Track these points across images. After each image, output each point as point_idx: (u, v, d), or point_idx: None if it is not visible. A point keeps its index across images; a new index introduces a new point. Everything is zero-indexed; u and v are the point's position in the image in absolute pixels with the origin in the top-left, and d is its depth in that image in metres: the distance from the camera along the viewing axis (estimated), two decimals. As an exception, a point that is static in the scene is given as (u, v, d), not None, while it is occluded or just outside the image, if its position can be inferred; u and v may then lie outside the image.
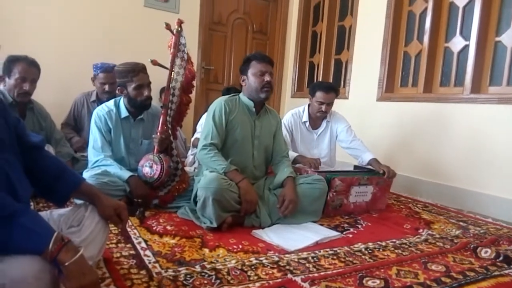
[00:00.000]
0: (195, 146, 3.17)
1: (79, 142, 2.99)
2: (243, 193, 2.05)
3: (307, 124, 2.97)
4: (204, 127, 2.28)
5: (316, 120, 2.98)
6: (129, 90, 2.29)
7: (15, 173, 1.05)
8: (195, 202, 2.11)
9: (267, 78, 2.21)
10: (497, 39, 2.91)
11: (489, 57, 2.95)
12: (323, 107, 2.81)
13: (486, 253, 1.87)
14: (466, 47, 3.08)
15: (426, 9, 3.38)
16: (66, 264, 0.87)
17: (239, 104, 2.30)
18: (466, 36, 3.09)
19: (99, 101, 3.07)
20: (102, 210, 1.27)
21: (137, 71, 2.27)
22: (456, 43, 3.19)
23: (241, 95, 2.35)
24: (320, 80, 4.40)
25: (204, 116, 3.44)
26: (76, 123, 3.17)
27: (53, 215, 1.27)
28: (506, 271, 1.69)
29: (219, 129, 2.20)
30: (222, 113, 2.21)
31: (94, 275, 0.92)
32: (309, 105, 2.98)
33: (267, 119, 2.39)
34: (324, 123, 2.98)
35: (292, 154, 2.76)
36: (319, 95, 2.81)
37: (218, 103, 2.26)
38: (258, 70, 2.21)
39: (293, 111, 3.03)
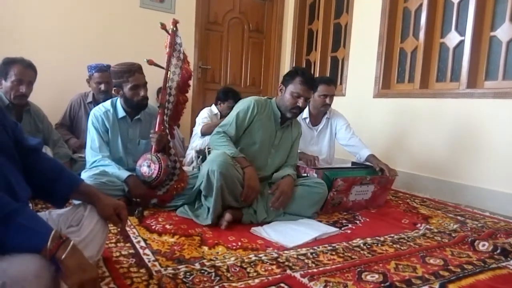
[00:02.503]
0: (204, 134, 3.19)
1: (77, 143, 2.99)
2: (247, 178, 2.05)
3: (307, 120, 2.98)
4: (228, 116, 2.29)
5: (317, 116, 2.99)
6: (125, 91, 2.28)
7: (13, 175, 1.06)
8: (195, 199, 2.12)
9: (299, 103, 2.18)
10: (492, 33, 2.93)
11: (485, 52, 2.97)
12: (327, 100, 2.85)
13: (483, 246, 1.88)
14: (461, 43, 3.09)
15: (421, 5, 3.39)
16: (65, 261, 0.87)
17: (268, 109, 2.29)
18: (461, 31, 3.10)
19: (96, 102, 3.07)
20: (102, 209, 1.27)
21: (132, 71, 2.26)
22: (452, 39, 3.20)
23: (273, 100, 2.34)
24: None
25: (203, 111, 3.46)
26: (72, 124, 3.17)
27: (52, 215, 1.27)
28: (504, 264, 1.71)
29: (239, 125, 2.21)
30: (249, 110, 2.21)
31: (94, 271, 0.93)
32: (308, 102, 2.99)
33: (289, 131, 2.38)
34: (324, 120, 2.99)
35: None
36: (321, 88, 2.84)
37: (249, 101, 2.25)
38: (296, 91, 2.18)
39: None
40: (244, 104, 2.25)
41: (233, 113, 2.24)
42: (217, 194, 1.97)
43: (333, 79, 3.09)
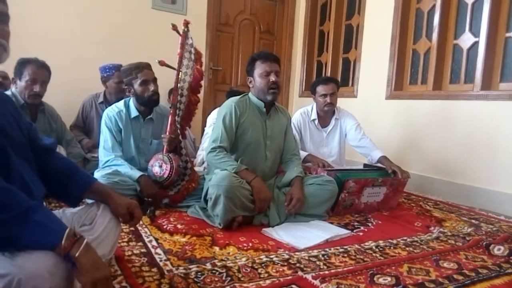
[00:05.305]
0: None
1: (89, 143, 3.02)
2: (256, 192, 2.04)
3: (316, 122, 2.97)
4: (213, 130, 2.26)
5: (325, 117, 2.97)
6: (136, 87, 2.31)
7: (28, 174, 1.07)
8: (206, 201, 2.12)
9: (272, 78, 2.17)
10: (508, 34, 2.87)
11: (500, 53, 2.91)
12: (328, 99, 2.83)
13: (499, 250, 1.85)
14: (475, 44, 3.04)
15: (434, 6, 3.35)
16: (79, 259, 0.88)
17: (249, 105, 2.27)
18: (475, 32, 3.06)
19: (107, 102, 3.11)
20: (115, 208, 1.28)
21: (141, 67, 2.31)
22: (466, 40, 3.16)
23: (250, 94, 2.32)
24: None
25: (214, 112, 3.45)
26: (85, 125, 3.20)
27: (65, 213, 1.29)
28: (520, 268, 1.67)
29: (229, 133, 2.18)
30: (233, 116, 2.18)
31: (107, 269, 0.94)
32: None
33: (277, 118, 2.36)
34: (333, 121, 2.97)
35: (302, 153, 2.76)
36: (319, 89, 2.86)
37: (229, 106, 2.22)
38: (263, 71, 2.18)
39: (302, 110, 3.03)
40: (225, 111, 2.20)
41: (219, 124, 2.19)
42: (226, 214, 1.94)
43: (332, 78, 3.05)
